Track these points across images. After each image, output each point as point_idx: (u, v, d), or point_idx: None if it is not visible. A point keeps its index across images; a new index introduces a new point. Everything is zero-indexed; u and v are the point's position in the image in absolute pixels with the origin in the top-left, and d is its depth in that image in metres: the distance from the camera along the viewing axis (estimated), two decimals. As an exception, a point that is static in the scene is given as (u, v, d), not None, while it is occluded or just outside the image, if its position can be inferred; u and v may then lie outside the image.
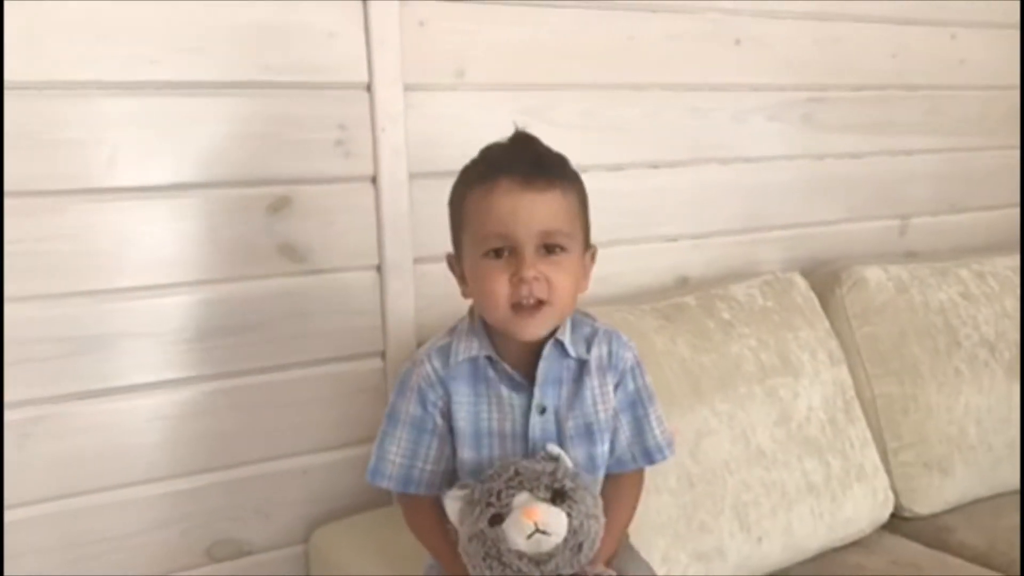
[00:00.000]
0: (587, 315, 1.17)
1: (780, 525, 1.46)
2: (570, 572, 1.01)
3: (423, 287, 1.48)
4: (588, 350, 1.12)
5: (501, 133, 1.49)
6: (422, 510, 1.14)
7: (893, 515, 1.62)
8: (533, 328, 1.06)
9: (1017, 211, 2.19)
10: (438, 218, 1.47)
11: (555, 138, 1.56)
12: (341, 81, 1.39)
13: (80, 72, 1.24)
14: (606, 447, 1.14)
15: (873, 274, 1.75)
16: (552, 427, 1.10)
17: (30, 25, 1.20)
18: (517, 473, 1.02)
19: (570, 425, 1.11)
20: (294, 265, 1.39)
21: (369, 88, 1.41)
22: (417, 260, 1.47)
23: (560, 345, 1.11)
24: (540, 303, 1.04)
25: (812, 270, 1.80)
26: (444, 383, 1.10)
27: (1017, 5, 2.09)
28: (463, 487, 1.06)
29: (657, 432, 1.18)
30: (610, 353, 1.14)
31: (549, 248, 1.05)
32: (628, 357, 1.16)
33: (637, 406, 1.16)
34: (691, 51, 1.71)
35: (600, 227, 1.63)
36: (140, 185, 1.29)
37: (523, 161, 1.05)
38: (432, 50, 1.46)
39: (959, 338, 1.75)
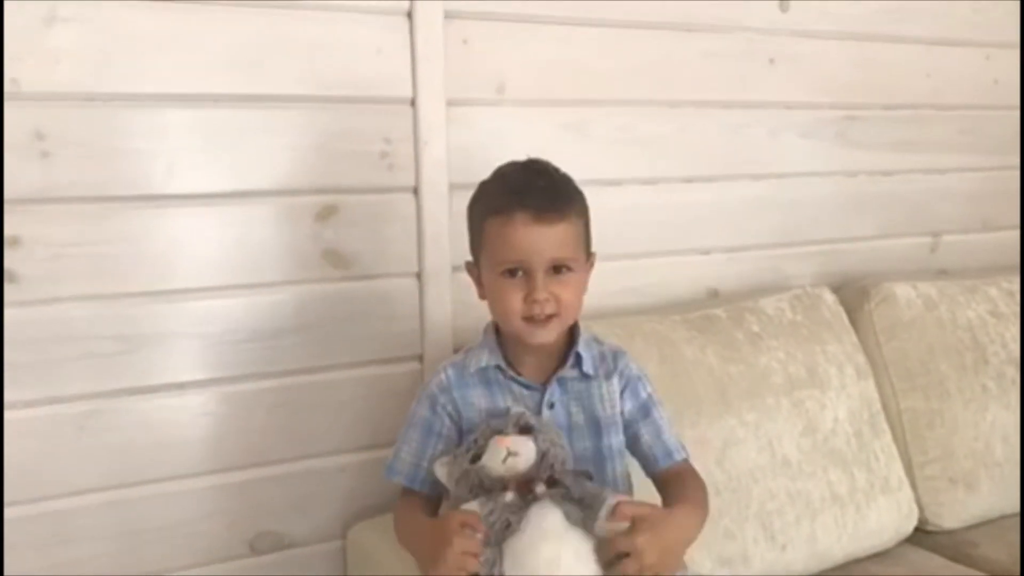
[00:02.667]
0: (595, 338, 1.29)
1: (804, 534, 1.49)
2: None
3: (460, 294, 1.53)
4: (595, 368, 1.25)
5: (539, 147, 1.55)
6: (414, 506, 1.23)
7: (917, 528, 1.65)
8: (543, 336, 1.19)
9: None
10: (477, 229, 1.54)
11: (591, 152, 1.64)
12: (387, 96, 1.45)
13: (143, 85, 1.31)
14: (613, 441, 1.24)
15: (902, 290, 1.77)
16: (562, 419, 1.23)
17: (97, 40, 1.27)
18: (488, 426, 1.16)
19: (579, 419, 1.23)
20: (338, 271, 1.45)
21: (413, 103, 1.46)
22: (455, 268, 1.52)
23: (577, 358, 1.23)
24: (549, 316, 1.18)
25: (842, 286, 1.83)
26: (456, 390, 1.23)
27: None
28: (445, 455, 1.20)
29: (672, 435, 1.28)
30: (615, 364, 1.27)
31: (557, 269, 1.18)
32: (633, 367, 1.28)
33: (651, 410, 1.27)
34: (726, 69, 1.75)
35: (634, 239, 1.70)
36: (195, 193, 1.36)
37: (537, 194, 1.18)
38: (474, 67, 1.51)
39: (987, 355, 1.77)
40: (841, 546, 1.54)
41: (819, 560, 1.52)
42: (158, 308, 1.36)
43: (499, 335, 1.25)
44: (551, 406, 1.22)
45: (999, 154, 2.11)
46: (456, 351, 1.52)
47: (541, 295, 1.16)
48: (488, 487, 1.11)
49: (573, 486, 1.10)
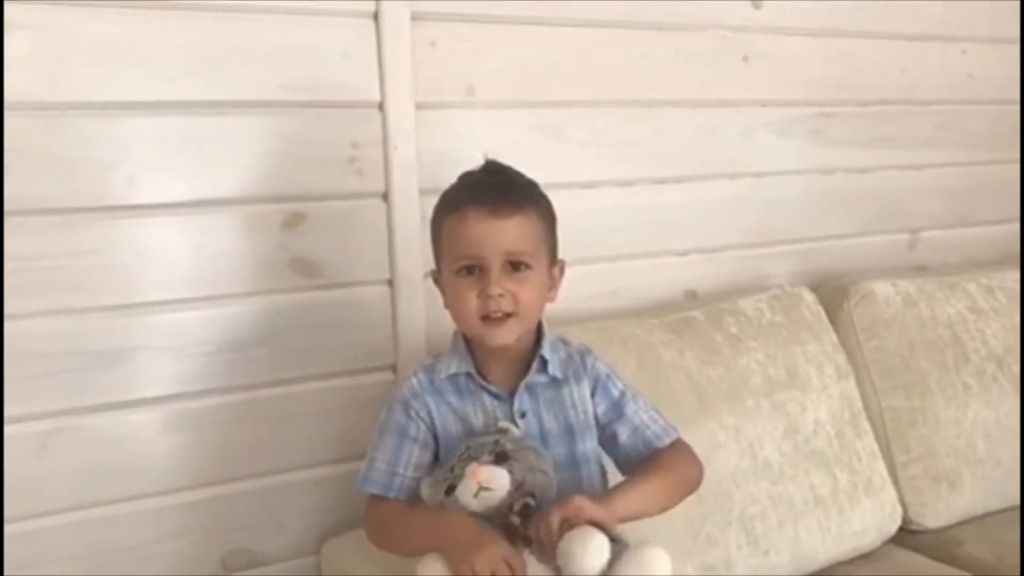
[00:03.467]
0: (562, 339, 1.26)
1: (787, 538, 1.47)
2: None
3: (433, 301, 1.48)
4: (563, 370, 1.22)
5: (511, 149, 1.52)
6: (387, 508, 1.19)
7: (901, 528, 1.63)
8: (500, 336, 1.16)
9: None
10: (448, 234, 1.51)
11: (565, 154, 1.61)
12: (354, 100, 1.42)
13: (101, 93, 1.27)
14: (588, 445, 1.22)
15: (881, 288, 1.76)
16: (534, 428, 1.20)
17: (53, 47, 1.23)
18: (467, 448, 1.13)
19: (552, 426, 1.21)
20: (307, 280, 1.42)
21: (381, 107, 1.43)
22: (427, 275, 1.49)
23: (543, 362, 1.20)
24: (507, 315, 1.15)
25: (820, 284, 1.81)
26: (428, 395, 1.20)
27: (1026, 20, 2.11)
28: (431, 474, 1.17)
29: (650, 423, 1.24)
30: (583, 364, 1.24)
31: (515, 266, 1.15)
32: (600, 367, 1.25)
33: (624, 407, 1.24)
34: (700, 68, 1.73)
35: (609, 242, 1.67)
36: (158, 202, 1.32)
37: (491, 189, 1.16)
38: (443, 69, 1.49)
39: (967, 352, 1.76)
40: (825, 549, 1.52)
41: (803, 563, 1.50)
42: (123, 322, 1.32)
43: (468, 341, 1.22)
44: (523, 415, 1.19)
45: (975, 149, 2.10)
46: (429, 359, 1.51)
47: (495, 290, 1.13)
48: None
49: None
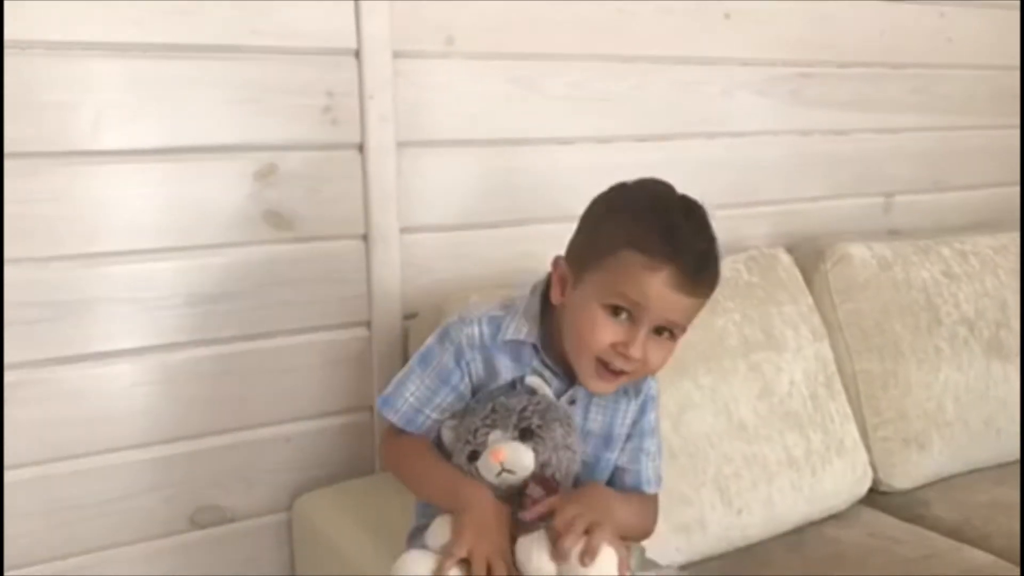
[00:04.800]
0: None
1: (761, 498, 1.47)
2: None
3: (409, 257, 1.47)
4: (628, 386, 1.14)
5: (490, 102, 1.48)
6: (411, 443, 1.14)
7: (871, 489, 1.64)
8: (603, 389, 1.09)
9: (1006, 190, 2.20)
10: (425, 187, 1.48)
11: (543, 109, 1.58)
12: (329, 47, 1.38)
13: (63, 32, 1.21)
14: (614, 456, 1.16)
15: (857, 251, 1.75)
16: (579, 418, 1.12)
17: (13, -17, 1.18)
18: (493, 410, 1.06)
19: (596, 427, 1.14)
20: (279, 233, 1.38)
21: (357, 54, 1.39)
22: (404, 230, 1.46)
23: None
24: (624, 372, 1.06)
25: (797, 246, 1.80)
26: (485, 351, 1.11)
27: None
28: (453, 417, 1.11)
29: (650, 468, 1.19)
30: (643, 380, 1.16)
31: (659, 330, 1.06)
32: (653, 386, 1.18)
33: (644, 436, 1.18)
34: (680, 24, 1.70)
35: (586, 200, 1.63)
36: (124, 149, 1.27)
37: (695, 258, 1.04)
38: (422, 17, 1.44)
39: (940, 316, 1.77)
40: (797, 509, 1.52)
41: (776, 524, 1.50)
42: (86, 272, 1.28)
43: (544, 308, 1.12)
44: (572, 402, 1.12)
45: (952, 114, 2.09)
46: (406, 316, 1.48)
47: (637, 352, 1.03)
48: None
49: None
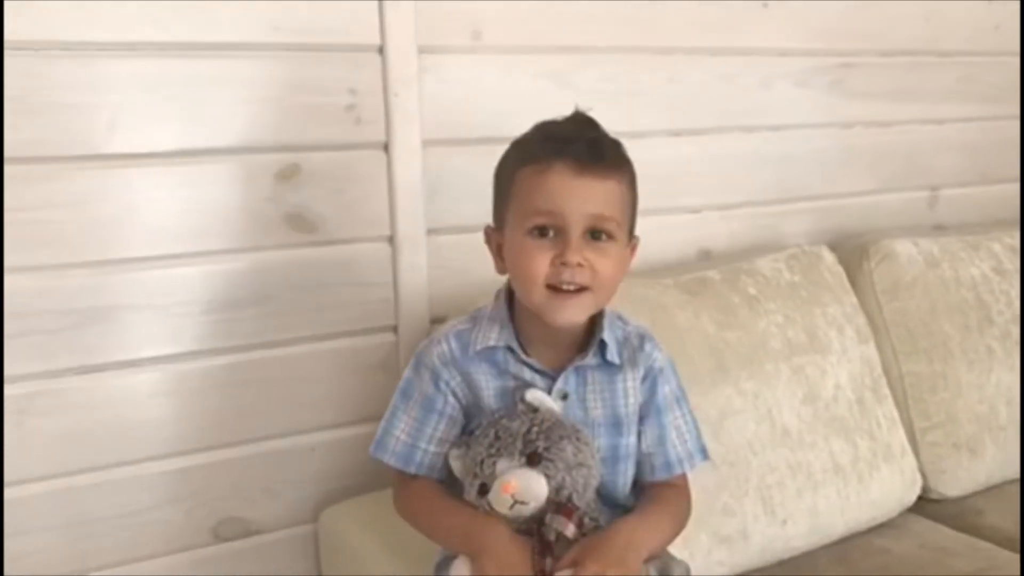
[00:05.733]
0: (620, 317, 1.13)
1: (805, 507, 1.41)
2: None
3: (437, 259, 1.42)
4: (619, 355, 1.09)
5: (519, 99, 1.44)
6: (419, 492, 1.09)
7: (921, 497, 1.57)
8: (569, 312, 1.03)
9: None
10: (452, 187, 1.43)
11: (574, 104, 1.51)
12: (352, 43, 1.33)
13: (79, 32, 1.18)
14: (632, 439, 1.10)
15: (903, 248, 1.68)
16: (577, 414, 1.07)
17: (25, -19, 1.14)
18: (496, 436, 1.01)
19: (599, 414, 1.08)
20: (303, 236, 1.34)
21: (381, 51, 1.34)
22: (431, 231, 1.42)
23: (602, 346, 1.08)
24: (581, 288, 1.01)
25: (839, 243, 1.73)
26: (460, 366, 1.07)
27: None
28: (459, 446, 1.06)
29: (679, 443, 1.13)
30: (641, 350, 1.11)
31: (595, 234, 1.02)
32: (658, 357, 1.12)
33: (663, 411, 1.12)
34: (716, 14, 1.64)
35: (619, 198, 1.59)
36: (143, 151, 1.24)
37: (583, 144, 1.02)
38: (447, 10, 1.39)
39: (991, 314, 1.69)
40: (844, 518, 1.46)
41: (821, 534, 1.44)
42: (105, 279, 1.24)
43: (512, 308, 1.08)
44: (564, 396, 1.06)
45: (998, 103, 2.01)
46: (434, 320, 1.43)
47: (574, 257, 0.99)
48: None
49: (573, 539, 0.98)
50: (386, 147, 1.37)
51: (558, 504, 0.99)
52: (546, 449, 0.99)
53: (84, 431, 1.25)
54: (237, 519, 1.37)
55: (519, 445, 0.99)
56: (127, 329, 1.26)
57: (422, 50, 1.37)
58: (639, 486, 1.13)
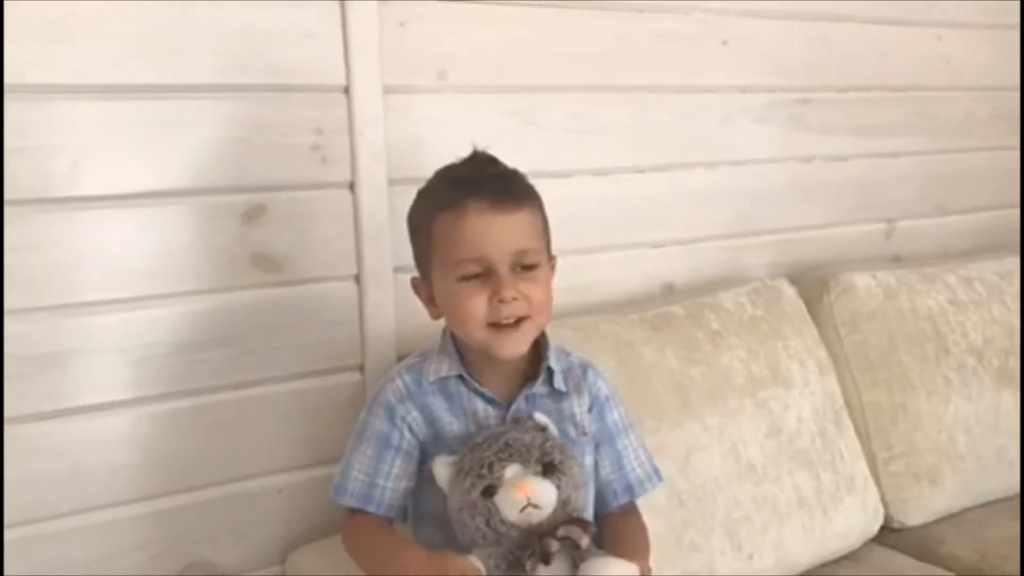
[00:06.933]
0: (563, 349, 1.17)
1: (771, 541, 1.43)
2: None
3: (403, 297, 1.41)
4: (565, 383, 1.13)
5: (485, 137, 1.44)
6: (373, 530, 1.10)
7: (883, 527, 1.60)
8: (514, 345, 1.06)
9: (1008, 213, 2.17)
10: (420, 227, 1.43)
11: (539, 142, 1.54)
12: (317, 84, 1.33)
13: (38, 75, 1.16)
14: (586, 461, 1.12)
15: (861, 280, 1.72)
16: None
17: (-14, 24, 1.13)
18: (507, 445, 1.02)
19: None
20: (269, 275, 1.33)
21: (347, 91, 1.35)
22: (397, 269, 1.41)
23: (549, 373, 1.11)
24: (520, 319, 1.05)
25: (799, 276, 1.76)
26: (415, 400, 1.10)
27: (1003, 6, 2.07)
28: (452, 453, 1.05)
29: (636, 465, 1.17)
30: (584, 379, 1.15)
31: (523, 266, 1.06)
32: (602, 386, 1.17)
33: (615, 437, 1.16)
34: (678, 52, 1.67)
35: (584, 233, 1.61)
36: (104, 194, 1.22)
37: (489, 181, 1.06)
38: (413, 51, 1.40)
39: (948, 345, 1.73)
40: (809, 551, 1.48)
41: (787, 567, 1.45)
42: (67, 323, 1.22)
43: (456, 342, 1.11)
44: (515, 421, 1.08)
45: (951, 136, 2.06)
46: (400, 358, 1.43)
47: (509, 293, 1.02)
48: (496, 529, 0.99)
49: (585, 550, 0.98)
50: (352, 186, 1.37)
51: (570, 518, 1.00)
52: (561, 462, 1.01)
53: (48, 478, 1.22)
54: (204, 563, 1.34)
55: (536, 453, 1.01)
56: (91, 373, 1.24)
57: (388, 90, 1.38)
58: (600, 517, 1.15)
